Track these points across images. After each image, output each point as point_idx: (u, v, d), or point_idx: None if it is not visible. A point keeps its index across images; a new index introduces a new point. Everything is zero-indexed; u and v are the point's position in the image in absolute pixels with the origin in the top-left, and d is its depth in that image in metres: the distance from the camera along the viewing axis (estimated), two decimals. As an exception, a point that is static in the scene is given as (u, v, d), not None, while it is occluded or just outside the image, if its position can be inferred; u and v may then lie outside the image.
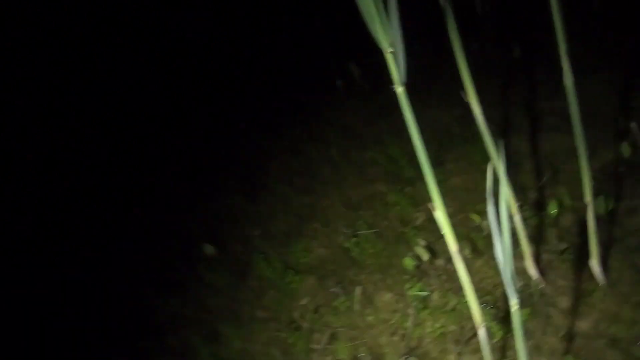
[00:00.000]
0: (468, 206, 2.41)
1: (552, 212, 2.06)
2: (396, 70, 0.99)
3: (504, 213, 0.98)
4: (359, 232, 2.54)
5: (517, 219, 1.66)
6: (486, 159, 2.65)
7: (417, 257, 2.14)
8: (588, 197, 1.55)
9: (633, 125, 1.96)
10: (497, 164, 1.50)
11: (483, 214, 2.25)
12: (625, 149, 2.06)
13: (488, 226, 2.13)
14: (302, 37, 3.86)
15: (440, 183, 2.69)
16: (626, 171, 2.09)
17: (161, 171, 3.60)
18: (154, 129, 4.00)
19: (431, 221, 2.44)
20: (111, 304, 2.89)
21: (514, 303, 1.09)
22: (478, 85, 3.23)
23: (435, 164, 2.68)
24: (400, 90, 1.02)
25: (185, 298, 2.77)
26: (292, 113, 3.66)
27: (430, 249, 2.16)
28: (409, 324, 2.02)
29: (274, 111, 3.74)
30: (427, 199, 2.65)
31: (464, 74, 1.39)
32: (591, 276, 1.85)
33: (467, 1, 3.35)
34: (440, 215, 1.27)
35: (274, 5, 4.04)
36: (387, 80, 3.41)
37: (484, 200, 2.52)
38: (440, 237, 2.42)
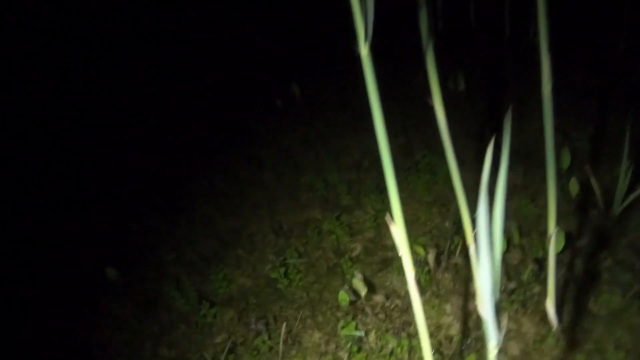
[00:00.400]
0: (408, 239, 2.19)
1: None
2: (361, 23, 0.73)
3: (499, 238, 0.74)
4: (288, 262, 2.24)
5: (472, 250, 1.44)
6: (428, 190, 2.47)
7: (354, 292, 1.87)
8: (552, 229, 1.36)
9: (587, 167, 1.85)
10: (455, 179, 1.28)
11: (427, 247, 2.03)
12: (573, 187, 1.94)
13: (432, 261, 1.91)
14: (243, 53, 3.61)
15: (380, 213, 2.48)
16: (574, 210, 1.97)
17: (65, 179, 3.13)
18: (65, 135, 3.55)
19: (369, 253, 2.20)
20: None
21: (492, 346, 0.84)
22: (421, 116, 3.10)
23: (376, 191, 2.47)
24: (365, 51, 0.76)
25: (78, 329, 2.31)
26: (224, 130, 3.35)
27: (368, 283, 1.90)
28: (339, 369, 1.72)
29: (203, 127, 3.42)
30: (365, 228, 2.41)
31: (432, 76, 1.18)
32: (542, 320, 1.66)
33: (411, 27, 3.26)
34: (399, 233, 1.01)
35: (217, 19, 3.79)
36: (328, 103, 3.17)
37: (425, 234, 2.32)
38: (379, 270, 2.18)
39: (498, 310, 0.82)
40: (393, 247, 2.16)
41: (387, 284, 1.96)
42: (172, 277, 2.34)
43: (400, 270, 1.97)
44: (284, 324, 1.89)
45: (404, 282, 1.92)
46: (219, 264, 2.38)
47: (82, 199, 2.93)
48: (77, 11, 3.69)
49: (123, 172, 3.16)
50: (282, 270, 2.18)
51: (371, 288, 1.93)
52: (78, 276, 2.51)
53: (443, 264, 1.94)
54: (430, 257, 1.85)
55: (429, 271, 1.89)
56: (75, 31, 3.73)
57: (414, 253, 2.02)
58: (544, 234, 1.87)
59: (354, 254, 2.19)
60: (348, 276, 2.07)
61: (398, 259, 2.08)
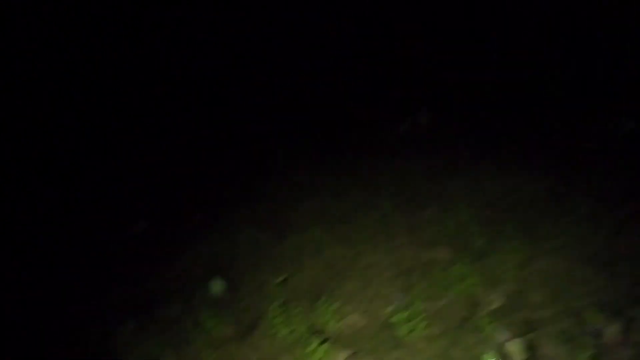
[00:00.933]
0: (565, 299, 1.79)
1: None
2: None
3: None
4: (410, 306, 1.93)
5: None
6: (582, 241, 2.06)
7: (503, 355, 1.51)
8: None
9: None
10: None
11: (602, 315, 1.62)
12: None
13: (614, 333, 1.51)
14: (373, 69, 3.40)
15: (526, 263, 2.06)
16: None
17: (177, 184, 3.07)
18: (179, 145, 3.55)
19: (513, 309, 1.83)
20: (72, 336, 2.28)
21: None
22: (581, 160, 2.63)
23: (520, 236, 2.10)
24: None
25: (172, 342, 2.15)
26: (339, 150, 3.15)
27: (527, 345, 1.53)
28: None
29: (318, 144, 3.25)
30: (506, 279, 2.01)
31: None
32: None
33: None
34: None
35: (348, 35, 3.64)
36: (459, 134, 2.82)
37: (585, 294, 1.89)
38: (528, 332, 1.78)
39: None
40: (543, 305, 1.77)
41: (542, 351, 1.59)
42: (278, 301, 2.12)
43: (560, 337, 1.59)
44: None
45: (564, 353, 1.54)
46: (329, 295, 2.12)
47: (194, 205, 2.85)
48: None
49: (231, 180, 3.05)
50: (403, 315, 1.88)
51: (532, 354, 1.56)
52: (181, 283, 2.38)
53: (621, 337, 1.53)
54: (610, 329, 1.46)
55: (606, 344, 1.49)
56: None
57: (581, 320, 1.62)
58: None
59: (493, 307, 1.83)
60: (485, 334, 1.71)
61: (553, 322, 1.69)
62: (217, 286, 2.14)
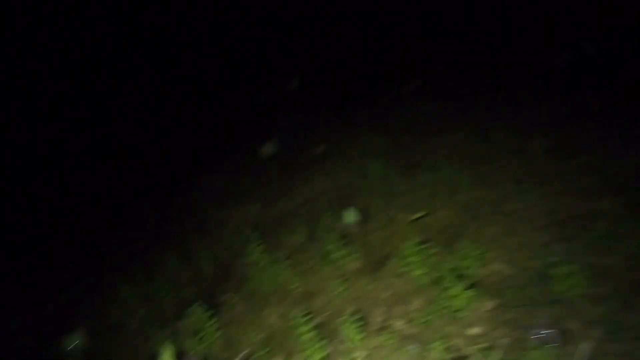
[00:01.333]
0: None
1: None
2: None
3: None
4: (570, 260, 1.70)
5: None
6: None
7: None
8: None
9: None
10: None
11: None
12: None
13: None
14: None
15: None
16: None
17: (306, 110, 2.96)
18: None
19: None
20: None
21: None
22: None
23: None
24: None
25: (293, 268, 2.13)
26: (477, 83, 2.83)
27: None
28: None
29: (453, 74, 2.95)
30: None
31: None
32: None
33: None
34: None
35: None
36: (629, 67, 2.30)
37: None
38: None
39: None
40: None
41: None
42: (412, 239, 1.98)
43: None
44: (584, 343, 1.38)
45: None
46: (470, 238, 1.94)
47: (321, 132, 2.75)
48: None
49: (361, 114, 2.90)
50: (561, 269, 1.65)
51: None
52: (308, 212, 2.32)
53: None
54: None
55: None
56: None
57: None
58: None
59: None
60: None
61: None
62: (349, 217, 2.04)
